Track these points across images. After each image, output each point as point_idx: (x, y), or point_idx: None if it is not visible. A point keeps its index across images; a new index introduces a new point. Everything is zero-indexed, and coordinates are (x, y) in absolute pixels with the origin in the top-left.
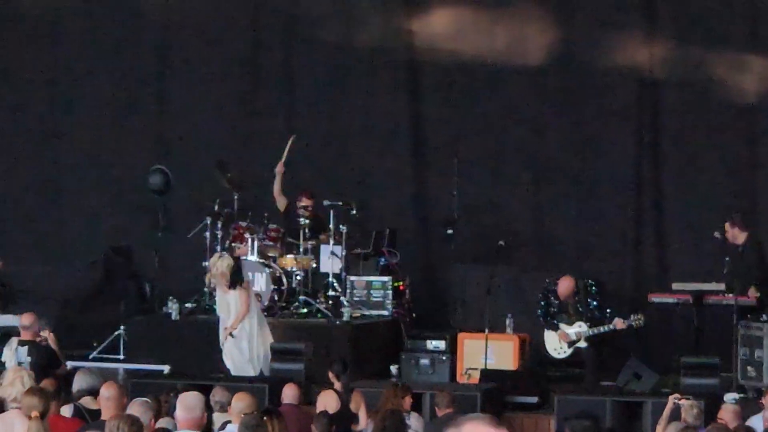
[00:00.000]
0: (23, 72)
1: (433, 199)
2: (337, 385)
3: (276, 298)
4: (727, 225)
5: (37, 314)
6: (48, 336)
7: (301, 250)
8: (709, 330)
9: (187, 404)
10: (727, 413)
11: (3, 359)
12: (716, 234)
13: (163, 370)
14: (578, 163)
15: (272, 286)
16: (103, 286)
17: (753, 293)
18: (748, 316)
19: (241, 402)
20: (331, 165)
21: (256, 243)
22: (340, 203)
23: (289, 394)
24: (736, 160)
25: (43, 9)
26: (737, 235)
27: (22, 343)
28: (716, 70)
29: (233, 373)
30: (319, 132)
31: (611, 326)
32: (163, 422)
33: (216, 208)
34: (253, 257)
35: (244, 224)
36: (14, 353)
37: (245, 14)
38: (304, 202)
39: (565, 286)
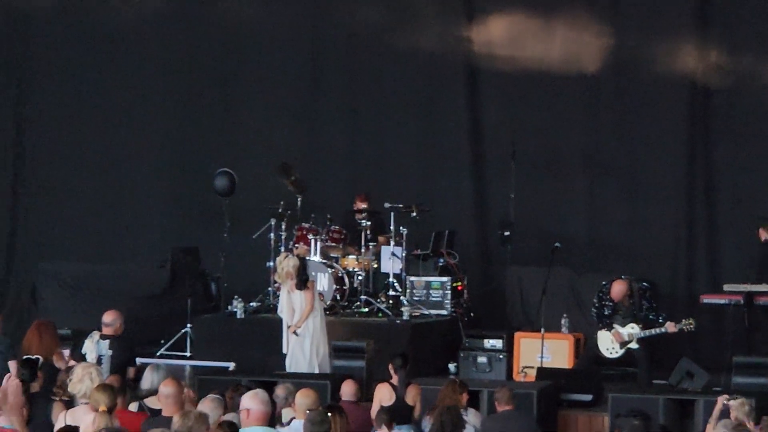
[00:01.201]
0: (97, 75)
1: (490, 201)
2: (395, 378)
3: (338, 297)
4: (761, 230)
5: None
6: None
7: (363, 251)
8: (761, 330)
9: (261, 399)
10: None
11: (84, 351)
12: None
13: (228, 367)
14: (631, 167)
15: (334, 286)
16: (171, 285)
17: None
18: None
19: (305, 398)
20: (392, 168)
21: (318, 244)
22: (401, 206)
23: (348, 391)
24: None
25: (117, 20)
26: None
27: (103, 338)
28: (762, 81)
29: (295, 370)
30: (380, 136)
31: (663, 329)
32: (227, 417)
33: (280, 209)
34: (316, 257)
35: (307, 225)
36: (95, 346)
37: (307, 22)
38: (359, 205)
39: (618, 288)
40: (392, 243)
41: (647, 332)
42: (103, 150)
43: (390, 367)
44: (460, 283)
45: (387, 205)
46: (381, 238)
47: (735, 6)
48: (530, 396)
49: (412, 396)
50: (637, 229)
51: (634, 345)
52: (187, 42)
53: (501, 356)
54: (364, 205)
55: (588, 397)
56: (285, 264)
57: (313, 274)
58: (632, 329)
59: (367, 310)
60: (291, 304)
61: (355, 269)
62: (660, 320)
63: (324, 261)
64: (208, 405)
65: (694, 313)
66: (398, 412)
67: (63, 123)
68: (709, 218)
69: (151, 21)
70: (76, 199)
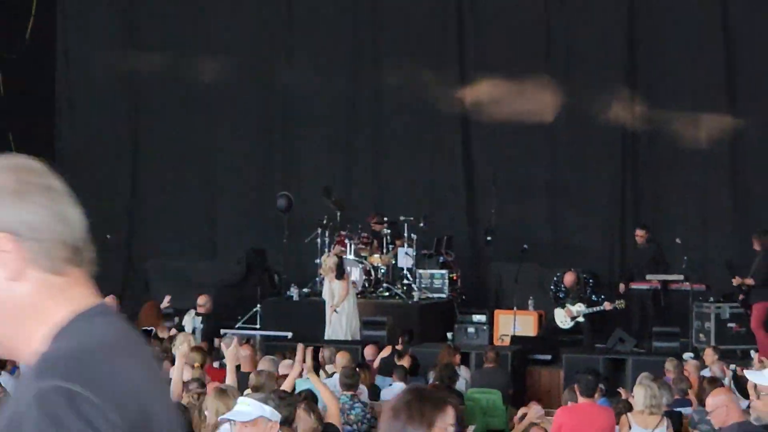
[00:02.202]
0: (194, 119)
1: (478, 215)
2: (400, 345)
3: (366, 285)
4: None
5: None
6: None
7: (384, 251)
8: (673, 307)
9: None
10: (690, 366)
11: (183, 324)
12: (677, 240)
13: (287, 336)
14: (580, 190)
15: (364, 277)
16: (245, 277)
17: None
18: (700, 298)
19: (342, 358)
20: (406, 191)
21: (352, 246)
22: (412, 218)
23: (370, 352)
24: (695, 188)
25: (208, 79)
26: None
27: (197, 315)
28: (676, 126)
29: (334, 338)
30: (401, 167)
31: (602, 307)
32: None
33: (324, 221)
34: (351, 256)
35: (344, 233)
36: (192, 321)
37: (343, 85)
38: (370, 220)
39: (569, 277)
40: (406, 245)
41: (590, 309)
42: (198, 177)
43: (400, 339)
44: (455, 275)
45: (402, 217)
46: (398, 242)
47: (654, 71)
48: (506, 356)
49: (406, 360)
50: (584, 234)
51: (581, 319)
52: (261, 98)
53: (485, 327)
54: (374, 221)
55: (548, 357)
56: (327, 261)
57: (348, 268)
58: (579, 307)
59: (387, 294)
60: (331, 290)
61: (379, 265)
62: (600, 301)
63: (356, 258)
64: (266, 363)
65: (625, 296)
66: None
67: (168, 155)
68: (635, 227)
69: (235, 81)
70: (178, 213)
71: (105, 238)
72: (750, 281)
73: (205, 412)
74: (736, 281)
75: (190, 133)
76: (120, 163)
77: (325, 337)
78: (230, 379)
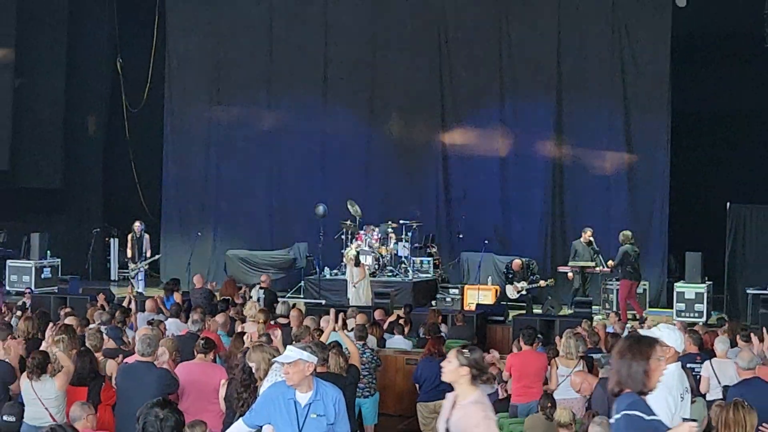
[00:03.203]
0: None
1: (453, 220)
2: (403, 311)
3: (376, 268)
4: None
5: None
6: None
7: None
8: (590, 286)
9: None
10: (599, 325)
11: (251, 295)
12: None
13: (322, 303)
14: (525, 204)
15: (375, 263)
16: (293, 262)
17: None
18: (607, 279)
19: (360, 318)
20: (406, 202)
21: (367, 241)
22: (409, 221)
23: (378, 314)
24: (601, 204)
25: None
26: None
27: (261, 289)
28: (589, 159)
29: (356, 304)
30: (400, 186)
31: (538, 285)
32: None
33: (348, 223)
34: (366, 248)
35: (362, 233)
36: (257, 292)
37: (362, 130)
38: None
39: (516, 264)
40: (404, 241)
41: (530, 286)
42: (261, 192)
43: (402, 310)
44: (437, 261)
45: (401, 221)
46: (396, 238)
47: (575, 118)
48: (472, 317)
49: (405, 322)
50: (526, 234)
51: (524, 292)
52: (305, 137)
53: (457, 298)
54: (375, 229)
55: (501, 318)
56: (349, 253)
57: (364, 257)
58: (523, 285)
59: (390, 274)
60: (351, 273)
61: (386, 254)
62: (536, 279)
63: (370, 249)
64: (308, 321)
65: (555, 276)
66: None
67: (240, 179)
68: (562, 231)
69: (287, 126)
70: (248, 218)
71: (197, 236)
72: (611, 264)
73: (250, 363)
74: (610, 264)
75: (255, 163)
76: (208, 185)
77: (347, 302)
78: (325, 336)
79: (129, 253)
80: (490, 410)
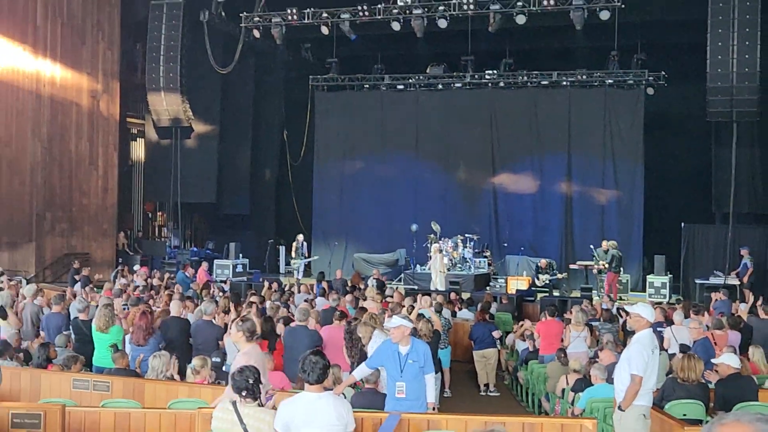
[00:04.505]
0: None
1: (500, 235)
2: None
3: (450, 265)
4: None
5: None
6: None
7: (457, 251)
8: (592, 278)
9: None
10: (597, 303)
11: (368, 283)
12: (591, 246)
13: (415, 288)
14: (547, 224)
15: (449, 262)
16: (396, 261)
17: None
18: (601, 272)
19: (439, 298)
20: (470, 223)
21: (444, 248)
22: (471, 235)
23: (452, 296)
24: (598, 225)
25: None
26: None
27: (374, 279)
28: (589, 195)
29: (434, 288)
30: (466, 213)
31: (557, 277)
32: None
33: (432, 236)
34: (444, 252)
35: (440, 242)
36: (372, 281)
37: (437, 173)
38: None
39: (543, 262)
40: (471, 248)
41: (552, 277)
42: (375, 217)
43: (469, 294)
44: (490, 261)
45: (467, 235)
46: (465, 247)
47: (580, 169)
48: (513, 298)
49: (470, 301)
50: (549, 246)
51: (547, 282)
52: (403, 181)
53: (503, 284)
54: (449, 240)
55: (532, 299)
56: (434, 256)
57: (443, 258)
58: (546, 276)
59: (460, 269)
60: (435, 268)
61: (456, 256)
62: (555, 273)
63: (446, 253)
64: (407, 300)
65: (567, 271)
66: (461, 303)
67: (362, 209)
68: (572, 242)
69: (395, 173)
70: (367, 233)
71: (335, 244)
72: (603, 264)
73: (358, 333)
74: (601, 265)
75: (371, 197)
76: (341, 211)
77: (431, 288)
78: (414, 313)
79: (293, 255)
80: (261, 357)
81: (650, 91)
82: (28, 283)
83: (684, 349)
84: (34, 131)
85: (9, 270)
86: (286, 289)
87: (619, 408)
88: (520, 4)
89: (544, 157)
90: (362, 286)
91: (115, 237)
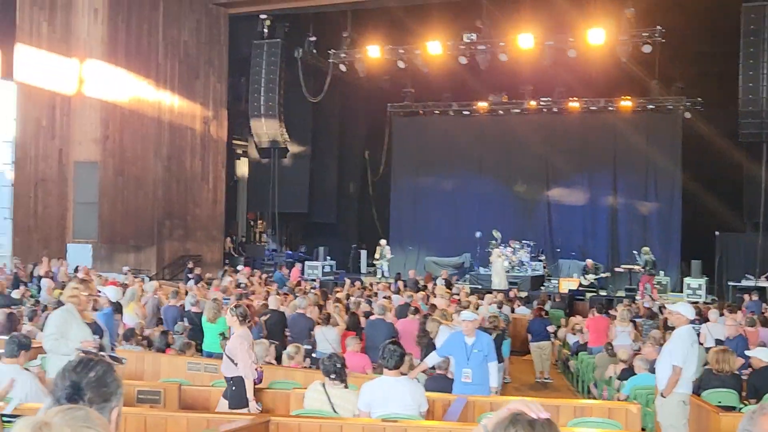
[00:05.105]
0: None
1: (554, 241)
2: (523, 294)
3: (510, 267)
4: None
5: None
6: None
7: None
8: (635, 279)
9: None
10: (640, 302)
11: (437, 282)
12: (634, 251)
13: (479, 287)
14: (594, 235)
15: (509, 265)
16: (462, 263)
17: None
18: (646, 273)
19: (500, 296)
20: (527, 232)
21: (505, 253)
22: (528, 241)
23: (512, 293)
24: (641, 235)
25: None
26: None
27: (443, 279)
28: (632, 207)
29: (496, 288)
30: (525, 222)
31: (602, 276)
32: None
33: (493, 242)
34: (505, 257)
35: (501, 247)
36: (441, 281)
37: (497, 187)
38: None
39: (589, 263)
40: (528, 254)
41: (597, 277)
42: (445, 227)
43: (524, 294)
44: (545, 265)
45: (524, 241)
46: (522, 251)
47: (624, 184)
48: (565, 297)
49: (527, 299)
50: (597, 251)
51: (593, 281)
52: (469, 195)
53: (555, 284)
54: (509, 246)
55: (582, 297)
56: (494, 258)
57: (504, 261)
58: (592, 276)
59: (518, 271)
60: (496, 269)
61: (515, 260)
62: (599, 274)
63: (507, 257)
64: (471, 299)
65: (612, 273)
66: (519, 300)
67: (434, 220)
68: (617, 248)
69: (462, 188)
70: (437, 237)
71: (410, 249)
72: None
73: (427, 328)
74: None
75: (440, 208)
76: (415, 220)
77: (491, 287)
78: (484, 308)
79: (377, 256)
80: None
81: (688, 115)
82: (150, 280)
83: (718, 343)
84: (156, 152)
85: (134, 269)
86: (369, 287)
87: (661, 395)
88: (571, 40)
89: (593, 174)
90: (431, 285)
91: (222, 241)
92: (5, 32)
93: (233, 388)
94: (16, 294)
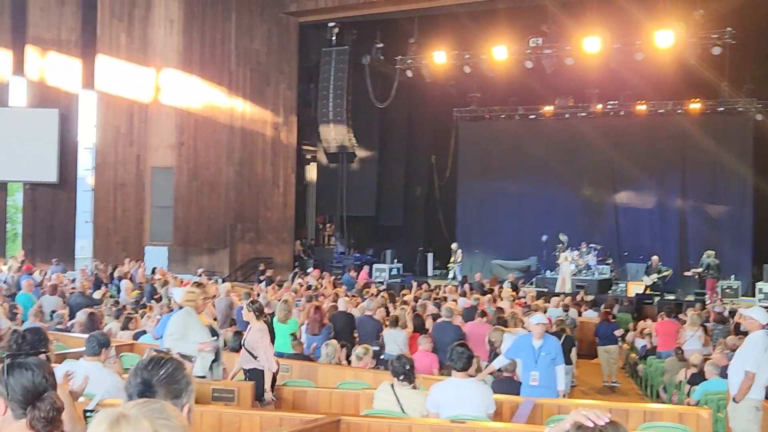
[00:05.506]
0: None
1: (621, 245)
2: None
3: (577, 271)
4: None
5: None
6: None
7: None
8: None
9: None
10: (710, 307)
11: (503, 285)
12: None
13: (545, 290)
14: (666, 238)
15: (576, 268)
16: (529, 266)
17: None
18: (709, 276)
19: (567, 300)
20: (594, 235)
21: (572, 257)
22: (594, 245)
23: (579, 296)
24: (709, 239)
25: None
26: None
27: (509, 282)
28: (701, 209)
29: (562, 291)
30: (592, 226)
31: (663, 275)
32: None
33: (560, 246)
34: (571, 260)
35: (567, 251)
36: (507, 284)
37: (564, 190)
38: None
39: (654, 259)
40: (594, 257)
41: (660, 276)
42: (510, 229)
43: (591, 297)
44: (612, 268)
45: (591, 244)
46: (589, 255)
47: (693, 188)
48: (633, 300)
49: (593, 302)
50: (666, 254)
51: (656, 281)
52: (537, 199)
53: (624, 288)
54: (576, 250)
55: (650, 301)
56: (561, 262)
57: (569, 264)
58: (654, 275)
59: (585, 275)
60: (563, 273)
61: (582, 264)
62: (667, 272)
63: (573, 261)
64: (539, 301)
65: (683, 277)
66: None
67: (501, 221)
68: (686, 251)
69: (526, 191)
70: (504, 240)
71: (476, 252)
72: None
73: (491, 339)
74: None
75: (506, 211)
76: (481, 223)
77: (556, 290)
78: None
79: (452, 259)
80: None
81: (759, 117)
82: (222, 282)
83: None
84: (228, 157)
85: (208, 271)
86: (435, 290)
87: (734, 400)
88: (638, 42)
89: (661, 176)
90: (497, 288)
91: (292, 244)
92: (87, 44)
93: (250, 380)
94: (97, 295)
